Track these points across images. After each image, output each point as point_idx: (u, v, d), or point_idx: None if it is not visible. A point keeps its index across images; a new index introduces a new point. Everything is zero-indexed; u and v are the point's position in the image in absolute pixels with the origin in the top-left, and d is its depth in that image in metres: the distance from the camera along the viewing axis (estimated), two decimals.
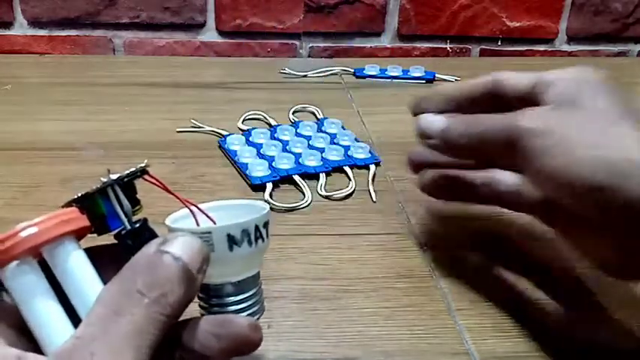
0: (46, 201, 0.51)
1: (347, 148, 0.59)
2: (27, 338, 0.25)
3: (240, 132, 0.62)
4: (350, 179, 0.55)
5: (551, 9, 0.88)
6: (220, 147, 0.60)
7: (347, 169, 0.56)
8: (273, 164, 0.55)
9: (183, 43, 0.86)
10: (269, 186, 0.52)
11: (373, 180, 0.55)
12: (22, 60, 0.82)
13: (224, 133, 0.61)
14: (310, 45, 0.88)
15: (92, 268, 0.26)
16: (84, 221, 0.26)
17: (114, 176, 0.27)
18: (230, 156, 0.57)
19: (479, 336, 0.38)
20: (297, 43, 0.87)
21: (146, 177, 0.28)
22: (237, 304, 0.29)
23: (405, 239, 0.47)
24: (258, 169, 0.54)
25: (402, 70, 0.79)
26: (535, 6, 0.88)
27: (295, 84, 0.77)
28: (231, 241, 0.28)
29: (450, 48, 0.90)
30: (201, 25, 0.85)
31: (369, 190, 0.53)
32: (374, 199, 0.52)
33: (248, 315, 0.30)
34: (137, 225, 0.28)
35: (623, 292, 0.42)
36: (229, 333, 0.26)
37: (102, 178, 0.27)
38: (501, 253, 0.46)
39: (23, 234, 0.24)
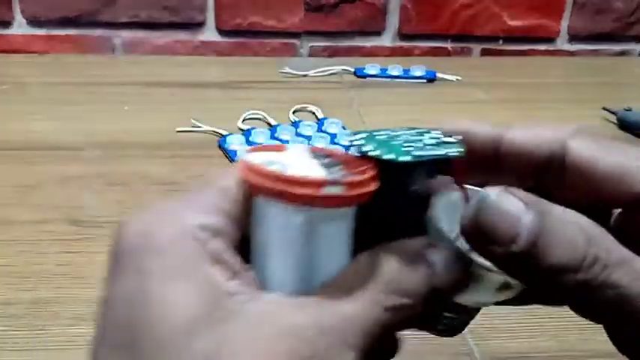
0: (45, 201, 0.50)
1: (347, 148, 0.59)
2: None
3: (240, 132, 0.62)
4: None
5: (552, 8, 0.88)
6: (220, 147, 0.59)
7: None
8: None
9: (183, 43, 0.85)
10: None
11: None
12: (20, 59, 0.81)
13: (224, 132, 0.61)
14: (310, 44, 0.87)
15: (350, 238, 0.22)
16: (369, 193, 0.21)
17: (427, 152, 0.21)
18: (230, 156, 0.57)
19: (479, 336, 0.38)
20: (297, 42, 0.87)
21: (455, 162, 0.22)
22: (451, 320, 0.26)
23: None
24: None
25: (403, 70, 0.79)
26: (536, 5, 0.88)
27: (295, 83, 0.77)
28: (505, 286, 0.23)
29: (451, 47, 0.89)
30: (200, 24, 0.85)
31: None
32: None
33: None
34: (418, 209, 0.23)
35: None
36: None
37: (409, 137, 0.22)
38: None
39: (326, 190, 0.20)
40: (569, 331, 0.39)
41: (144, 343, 0.20)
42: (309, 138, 0.60)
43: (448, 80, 0.79)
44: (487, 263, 0.22)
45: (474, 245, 0.22)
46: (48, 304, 0.41)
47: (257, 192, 0.21)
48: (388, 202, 0.22)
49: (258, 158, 0.22)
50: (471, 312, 0.26)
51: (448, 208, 0.23)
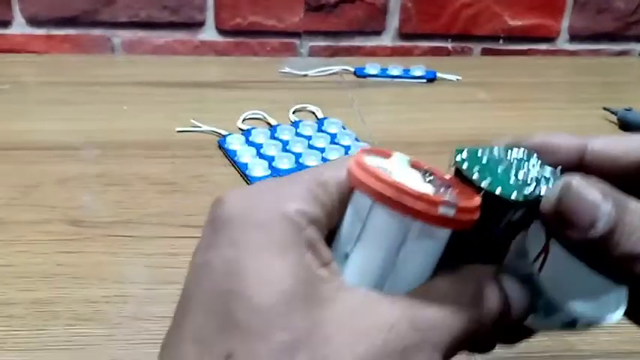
0: (45, 201, 0.50)
1: (347, 147, 0.59)
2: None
3: (240, 131, 0.62)
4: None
5: (553, 7, 0.88)
6: (220, 147, 0.59)
7: None
8: (273, 164, 0.55)
9: (183, 42, 0.85)
10: None
11: None
12: (20, 59, 0.81)
13: (224, 132, 0.61)
14: (310, 44, 0.87)
15: (439, 256, 0.23)
16: (474, 220, 0.22)
17: (535, 190, 0.22)
18: (230, 156, 0.57)
19: None
20: (297, 42, 0.87)
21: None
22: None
23: None
24: (258, 169, 0.54)
25: (403, 70, 0.79)
26: (537, 4, 0.87)
27: (295, 83, 0.76)
28: (571, 324, 0.24)
29: (452, 47, 0.89)
30: (200, 24, 0.85)
31: None
32: None
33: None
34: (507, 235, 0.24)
35: None
36: None
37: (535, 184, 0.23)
38: None
39: (442, 210, 0.21)
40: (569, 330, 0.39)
41: (239, 314, 0.20)
42: (309, 138, 0.60)
43: (448, 80, 0.79)
44: (573, 308, 0.23)
45: (553, 229, 0.23)
46: (48, 304, 0.41)
47: (370, 194, 0.21)
48: (483, 227, 0.23)
49: (369, 160, 0.22)
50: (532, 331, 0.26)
51: (536, 234, 0.24)
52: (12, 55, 0.82)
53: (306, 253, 0.21)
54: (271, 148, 0.58)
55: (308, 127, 0.63)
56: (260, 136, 0.60)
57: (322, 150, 0.58)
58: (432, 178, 0.23)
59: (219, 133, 0.61)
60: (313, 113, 0.68)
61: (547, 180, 0.23)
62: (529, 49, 0.90)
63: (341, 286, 0.21)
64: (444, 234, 0.22)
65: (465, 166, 0.23)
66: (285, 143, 0.59)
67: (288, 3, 0.84)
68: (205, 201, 0.25)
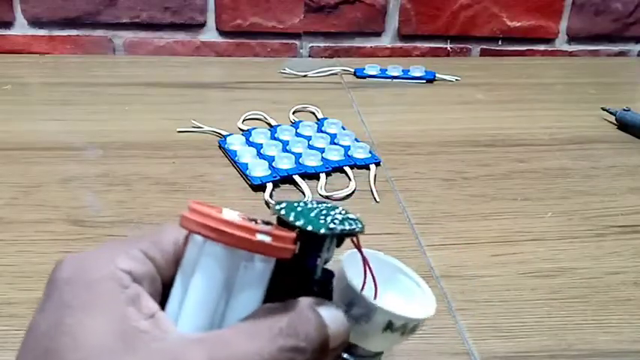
0: (46, 201, 0.51)
1: (347, 148, 0.59)
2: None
3: (241, 132, 0.62)
4: (350, 179, 0.55)
5: (551, 9, 0.88)
6: (220, 147, 0.59)
7: (347, 169, 0.56)
8: (274, 164, 0.55)
9: (184, 43, 0.86)
10: (269, 186, 0.52)
11: (375, 180, 0.55)
12: (22, 60, 0.81)
13: (224, 133, 0.61)
14: (310, 45, 0.88)
15: (265, 291, 0.26)
16: (293, 251, 0.25)
17: (339, 226, 0.26)
18: (230, 156, 0.57)
19: (479, 336, 0.38)
20: (297, 42, 0.87)
21: (353, 238, 0.27)
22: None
23: (406, 239, 0.47)
24: (259, 169, 0.54)
25: (403, 70, 0.79)
26: (535, 6, 0.88)
27: (295, 84, 0.77)
28: (389, 325, 0.28)
29: (451, 48, 0.90)
30: (201, 25, 0.85)
31: (371, 190, 0.53)
32: (377, 199, 0.52)
33: None
34: (326, 276, 0.28)
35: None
36: None
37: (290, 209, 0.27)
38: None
39: (259, 237, 0.24)
40: (567, 330, 0.39)
41: None
42: (309, 138, 0.61)
43: (447, 81, 0.79)
44: (378, 304, 0.27)
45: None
46: None
47: (196, 229, 0.24)
48: (300, 267, 0.27)
49: (201, 206, 0.25)
50: (365, 358, 0.30)
51: (355, 268, 0.28)
52: (14, 55, 0.83)
53: (126, 307, 0.23)
54: (271, 149, 0.58)
55: (308, 128, 0.63)
56: (260, 136, 0.60)
57: (322, 150, 0.58)
58: (255, 221, 0.25)
59: (220, 134, 0.62)
60: (313, 114, 0.68)
61: (351, 221, 0.27)
62: (528, 50, 0.90)
63: (160, 336, 0.23)
64: (265, 264, 0.25)
65: (283, 212, 0.26)
66: (285, 143, 0.59)
67: (288, 4, 0.85)
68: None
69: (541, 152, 0.62)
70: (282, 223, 0.26)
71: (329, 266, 0.28)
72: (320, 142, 0.60)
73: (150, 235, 0.26)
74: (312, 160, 0.56)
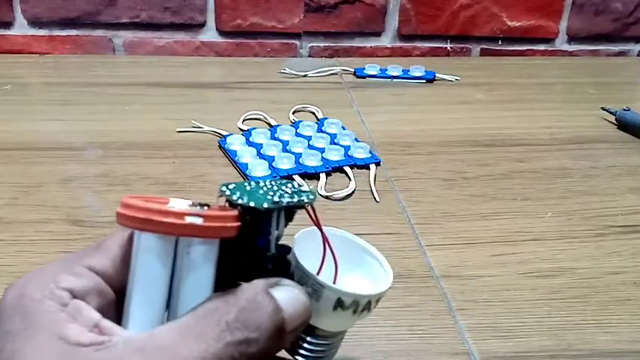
0: (46, 201, 0.51)
1: (347, 148, 0.59)
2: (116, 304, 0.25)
3: (241, 132, 0.62)
4: (350, 179, 0.55)
5: (551, 9, 0.88)
6: (220, 147, 0.59)
7: (347, 169, 0.56)
8: (273, 164, 0.55)
9: (184, 43, 0.86)
10: None
11: (375, 180, 0.55)
12: (22, 60, 0.81)
13: (224, 133, 0.61)
14: (310, 45, 0.88)
15: (213, 275, 0.25)
16: (236, 229, 0.25)
17: (284, 199, 0.25)
18: (230, 156, 0.57)
19: (479, 336, 0.38)
20: (297, 42, 0.87)
21: (308, 207, 0.26)
22: (309, 346, 0.29)
23: (406, 239, 0.47)
24: (259, 169, 0.54)
25: (402, 70, 0.79)
26: (535, 6, 0.88)
27: (295, 84, 0.77)
28: (339, 303, 0.27)
29: (451, 48, 0.90)
30: (201, 25, 0.85)
31: (371, 190, 0.53)
32: (377, 199, 0.52)
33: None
34: (281, 252, 0.26)
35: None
36: None
37: (270, 193, 0.26)
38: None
39: (188, 220, 0.23)
40: (567, 330, 0.39)
41: None
42: (309, 138, 0.61)
43: (447, 80, 0.79)
44: (325, 282, 0.26)
45: None
46: None
47: (128, 223, 0.23)
48: (251, 246, 0.25)
49: (132, 199, 0.24)
50: (326, 341, 0.29)
51: (313, 246, 0.27)
52: (14, 56, 0.83)
53: (66, 326, 0.23)
54: (271, 149, 0.58)
55: (308, 128, 0.63)
56: (260, 136, 0.60)
57: (322, 150, 0.58)
58: (199, 206, 0.25)
59: (220, 134, 0.62)
60: (313, 114, 0.68)
61: (302, 193, 0.26)
62: (528, 50, 0.90)
63: (104, 345, 0.23)
64: (206, 248, 0.24)
65: (227, 192, 0.25)
66: (285, 143, 0.59)
67: (288, 4, 0.85)
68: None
69: (541, 152, 0.62)
70: (231, 204, 0.25)
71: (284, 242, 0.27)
72: (320, 142, 0.60)
73: (96, 245, 0.26)
74: (312, 160, 0.56)
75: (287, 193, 0.26)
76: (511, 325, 0.39)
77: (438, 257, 0.45)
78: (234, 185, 0.26)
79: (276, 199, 0.25)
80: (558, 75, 0.84)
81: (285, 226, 0.26)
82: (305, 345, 0.29)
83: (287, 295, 0.25)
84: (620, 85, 0.81)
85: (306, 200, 0.26)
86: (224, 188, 0.26)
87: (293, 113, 0.67)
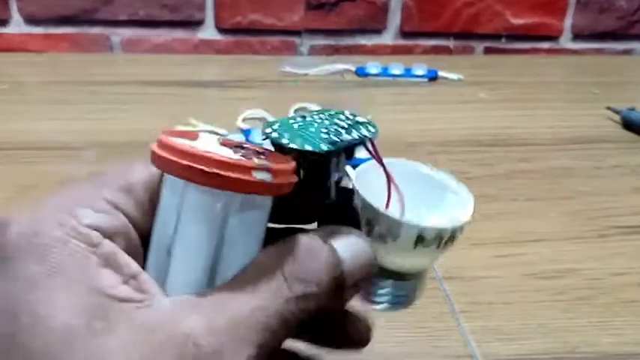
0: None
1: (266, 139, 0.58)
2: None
3: (240, 131, 0.62)
4: (350, 179, 0.54)
5: (555, 6, 0.88)
6: None
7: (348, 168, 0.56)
8: None
9: (182, 41, 0.85)
10: None
11: None
12: (18, 58, 0.81)
13: (223, 132, 0.61)
14: (311, 43, 0.87)
15: (264, 232, 0.22)
16: (293, 184, 0.21)
17: (343, 137, 0.22)
18: None
19: (483, 338, 0.38)
20: (297, 40, 0.87)
21: (369, 147, 0.23)
22: (390, 289, 0.26)
23: None
24: None
25: (405, 69, 0.79)
26: (539, 3, 0.87)
27: (296, 82, 0.76)
28: (420, 240, 0.24)
29: (453, 46, 0.89)
30: (200, 23, 0.84)
31: None
32: None
33: (389, 304, 0.26)
34: (343, 196, 0.23)
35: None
36: None
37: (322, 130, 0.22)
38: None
39: (257, 176, 0.19)
40: (571, 332, 0.39)
41: (16, 359, 0.18)
42: None
43: (450, 79, 0.78)
44: (404, 218, 0.23)
45: None
46: None
47: (179, 171, 0.19)
48: (308, 193, 0.22)
49: (174, 140, 0.20)
50: (404, 282, 0.26)
51: (370, 181, 0.24)
52: (10, 54, 0.82)
53: (98, 272, 0.19)
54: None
55: None
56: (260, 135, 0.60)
57: None
58: (243, 151, 0.21)
59: (219, 133, 0.61)
60: None
61: (360, 126, 0.23)
62: (532, 48, 0.90)
63: (144, 302, 0.19)
64: (262, 203, 0.21)
65: (274, 135, 0.22)
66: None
67: (288, 1, 0.84)
68: None
69: (544, 152, 0.61)
70: (280, 148, 0.22)
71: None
72: None
73: (116, 178, 0.22)
74: None
75: (343, 127, 0.22)
76: (515, 328, 0.39)
77: (440, 258, 0.45)
78: (279, 124, 0.22)
79: (333, 137, 0.22)
80: (562, 74, 0.84)
81: (344, 166, 0.23)
82: (385, 289, 0.26)
83: (347, 244, 0.22)
84: (625, 84, 0.81)
85: (368, 135, 0.23)
86: (269, 129, 0.22)
87: (294, 112, 0.67)
